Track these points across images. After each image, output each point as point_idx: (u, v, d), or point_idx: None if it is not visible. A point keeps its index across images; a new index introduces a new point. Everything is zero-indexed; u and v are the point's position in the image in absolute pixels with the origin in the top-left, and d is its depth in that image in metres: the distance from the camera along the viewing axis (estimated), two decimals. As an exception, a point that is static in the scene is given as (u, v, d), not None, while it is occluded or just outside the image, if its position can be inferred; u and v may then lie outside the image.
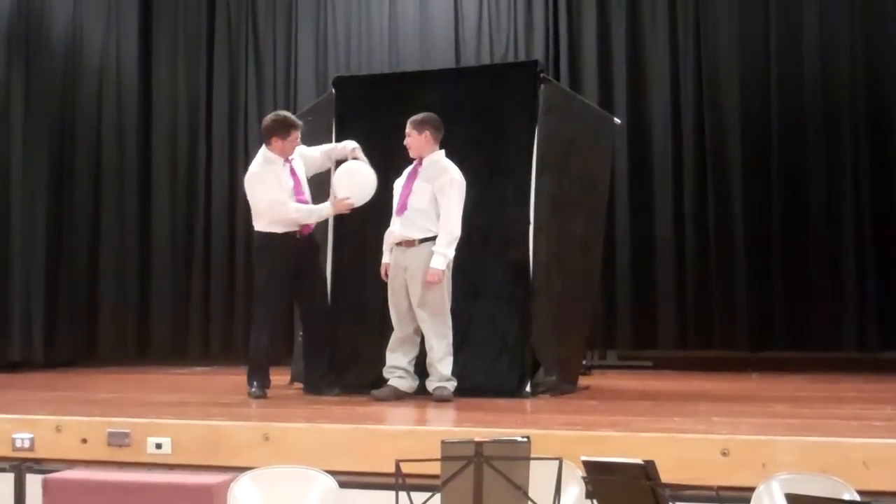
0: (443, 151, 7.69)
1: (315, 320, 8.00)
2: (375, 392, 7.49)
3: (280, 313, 8.22)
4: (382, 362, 7.71)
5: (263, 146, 7.95)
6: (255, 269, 8.30)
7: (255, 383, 7.80)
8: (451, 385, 7.47)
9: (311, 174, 8.09)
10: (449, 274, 7.49)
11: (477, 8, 11.82)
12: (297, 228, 7.81)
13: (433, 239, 7.45)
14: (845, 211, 10.57)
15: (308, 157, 8.05)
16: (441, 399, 7.34)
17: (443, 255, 7.39)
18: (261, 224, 7.92)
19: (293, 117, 8.07)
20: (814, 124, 10.71)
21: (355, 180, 7.81)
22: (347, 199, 7.77)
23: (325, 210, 7.88)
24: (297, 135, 7.92)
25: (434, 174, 7.58)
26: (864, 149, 10.58)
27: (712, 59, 11.07)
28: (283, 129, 7.87)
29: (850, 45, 10.71)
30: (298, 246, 7.81)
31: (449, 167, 7.61)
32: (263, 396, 7.74)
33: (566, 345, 8.26)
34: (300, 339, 8.32)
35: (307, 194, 7.97)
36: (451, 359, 7.50)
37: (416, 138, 7.67)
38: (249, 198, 8.01)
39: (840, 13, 10.76)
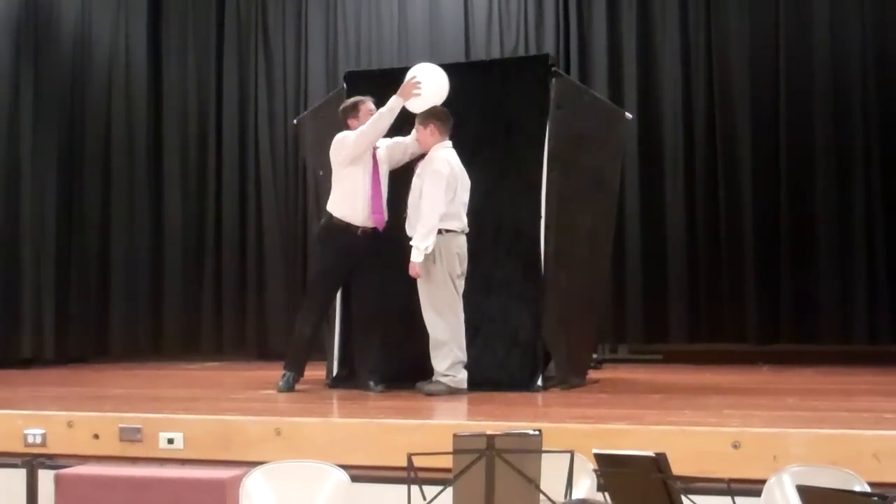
0: (449, 143, 7.69)
1: (366, 316, 7.95)
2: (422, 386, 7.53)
3: (329, 307, 8.15)
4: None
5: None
6: (312, 260, 8.27)
7: (286, 375, 7.81)
8: (446, 380, 7.41)
9: (395, 165, 8.02)
10: (444, 267, 7.46)
11: (487, 1, 11.80)
12: (360, 224, 7.77)
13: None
14: (856, 203, 10.54)
15: (393, 146, 7.99)
16: (427, 393, 7.35)
17: (416, 248, 7.38)
18: (332, 208, 7.87)
19: (353, 99, 8.07)
20: (824, 118, 10.69)
21: (430, 72, 7.80)
22: (414, 79, 7.68)
23: (393, 102, 7.69)
24: (370, 107, 7.88)
25: (423, 168, 7.59)
26: (874, 141, 10.55)
27: (723, 52, 11.04)
28: (352, 108, 7.94)
29: (861, 40, 10.67)
30: (357, 242, 7.74)
31: (435, 159, 7.58)
32: (290, 391, 7.72)
33: (575, 339, 8.25)
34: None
35: (384, 184, 7.91)
36: (449, 353, 7.44)
37: (421, 133, 7.70)
38: (334, 166, 7.91)
39: (851, 8, 10.73)
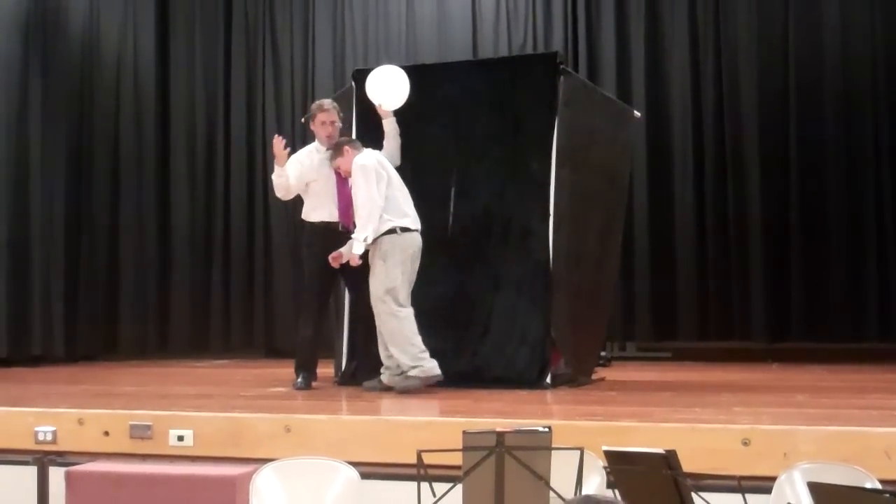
0: (368, 149, 7.77)
1: (364, 314, 7.93)
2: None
3: (326, 305, 8.20)
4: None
5: None
6: (303, 262, 8.33)
7: (301, 375, 7.87)
8: (415, 372, 7.37)
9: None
10: (397, 263, 7.44)
11: (495, -1, 11.83)
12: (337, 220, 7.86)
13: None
14: (866, 200, 10.55)
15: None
16: (402, 390, 7.36)
17: (357, 241, 7.40)
18: (306, 216, 8.08)
19: (319, 102, 8.26)
20: (833, 113, 10.69)
21: (383, 79, 7.87)
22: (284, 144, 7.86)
23: (275, 171, 8.01)
24: (324, 118, 8.01)
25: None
26: (884, 138, 10.55)
27: (731, 50, 11.04)
28: (313, 114, 8.12)
29: (871, 36, 10.67)
30: (341, 240, 7.74)
31: (356, 158, 7.61)
32: (307, 389, 7.77)
33: (583, 337, 8.26)
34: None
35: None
36: (407, 347, 7.40)
37: (340, 161, 7.76)
38: None
39: (861, 4, 10.73)
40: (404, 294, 7.49)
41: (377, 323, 7.51)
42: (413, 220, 7.58)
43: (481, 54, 11.56)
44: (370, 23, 12.20)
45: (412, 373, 7.39)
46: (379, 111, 7.87)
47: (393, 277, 7.43)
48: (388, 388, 7.46)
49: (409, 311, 7.48)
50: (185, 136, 12.40)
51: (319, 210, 7.99)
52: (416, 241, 7.57)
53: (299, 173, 8.01)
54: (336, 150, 7.82)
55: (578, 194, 7.93)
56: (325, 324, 8.23)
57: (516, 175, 8.02)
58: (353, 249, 7.41)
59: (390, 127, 7.88)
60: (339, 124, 8.08)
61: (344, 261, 7.52)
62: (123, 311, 12.04)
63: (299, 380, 7.85)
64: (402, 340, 7.41)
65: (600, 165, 8.31)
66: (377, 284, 7.47)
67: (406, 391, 7.33)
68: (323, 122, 8.02)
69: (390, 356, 7.45)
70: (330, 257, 7.53)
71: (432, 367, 7.42)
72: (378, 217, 7.40)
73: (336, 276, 7.91)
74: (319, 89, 11.91)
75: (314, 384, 7.93)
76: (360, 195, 7.46)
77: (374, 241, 7.43)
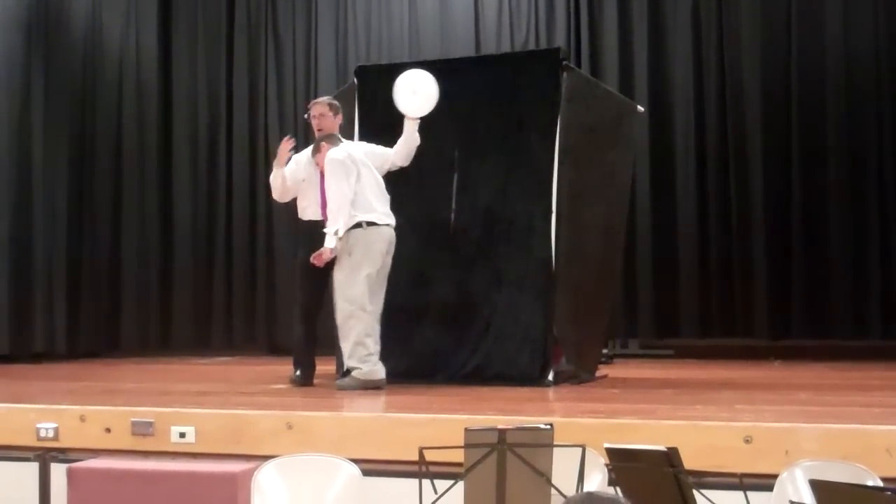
0: (344, 140, 7.81)
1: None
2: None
3: (316, 303, 8.15)
4: (407, 352, 7.74)
5: None
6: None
7: (297, 370, 7.96)
8: (356, 373, 7.38)
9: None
10: (361, 261, 7.43)
11: (497, -5, 11.83)
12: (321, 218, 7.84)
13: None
14: (869, 196, 10.54)
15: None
16: (339, 388, 7.41)
17: (328, 234, 7.41)
18: (300, 215, 8.14)
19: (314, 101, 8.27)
20: (836, 111, 10.68)
21: (421, 79, 7.80)
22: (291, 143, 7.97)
23: (274, 171, 8.11)
24: (312, 113, 8.03)
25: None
26: (887, 134, 10.54)
27: (734, 45, 11.04)
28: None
29: (873, 24, 10.66)
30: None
31: (328, 153, 7.61)
32: (304, 384, 7.81)
33: (585, 334, 8.26)
34: None
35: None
36: (357, 347, 7.40)
37: (319, 157, 7.79)
38: None
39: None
40: (368, 291, 7.46)
41: (336, 316, 7.53)
42: (381, 216, 7.54)
43: (484, 51, 11.56)
44: (373, 20, 12.19)
45: (354, 373, 7.41)
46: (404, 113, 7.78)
47: (355, 272, 7.44)
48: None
49: (370, 310, 7.47)
50: (187, 132, 12.41)
51: (308, 209, 8.02)
52: (383, 235, 7.53)
53: (293, 172, 8.04)
54: (315, 146, 7.84)
55: (581, 190, 7.93)
56: (317, 321, 8.21)
57: (518, 171, 8.01)
58: (325, 243, 7.43)
59: (410, 130, 7.77)
60: (329, 116, 7.97)
61: (326, 258, 7.50)
62: (125, 308, 12.05)
63: (297, 373, 7.92)
64: (353, 339, 7.41)
65: (603, 161, 8.31)
66: (340, 278, 7.50)
67: (342, 389, 7.37)
68: (312, 117, 8.03)
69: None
70: (312, 258, 7.52)
71: (375, 371, 7.42)
72: (348, 210, 7.39)
73: (327, 273, 7.88)
74: (322, 86, 11.90)
75: (316, 381, 7.93)
76: (330, 189, 7.49)
77: (346, 233, 7.43)
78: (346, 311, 7.48)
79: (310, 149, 8.06)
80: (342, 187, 7.43)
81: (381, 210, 7.57)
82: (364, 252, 7.45)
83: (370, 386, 7.34)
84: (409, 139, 7.78)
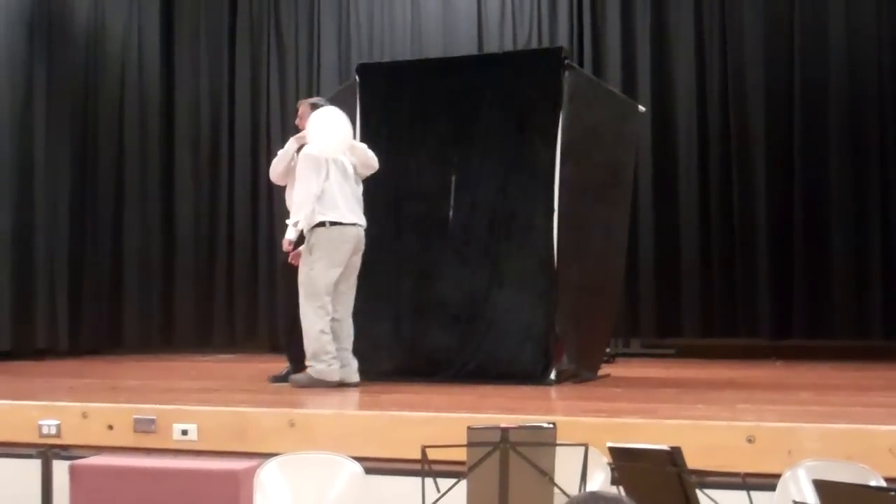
0: None
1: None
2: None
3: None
4: (409, 351, 7.75)
5: None
6: None
7: (289, 365, 8.02)
8: (309, 370, 7.42)
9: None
10: (324, 259, 7.41)
11: (500, -6, 11.82)
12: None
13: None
14: (871, 197, 10.53)
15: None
16: (293, 384, 7.50)
17: (289, 225, 7.47)
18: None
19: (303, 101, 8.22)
20: (839, 111, 10.67)
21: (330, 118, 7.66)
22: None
23: (289, 145, 7.86)
24: (301, 110, 7.99)
25: None
26: (890, 135, 10.53)
27: (737, 45, 11.03)
28: (299, 109, 8.11)
29: (876, 22, 10.65)
30: None
31: (304, 148, 7.60)
32: (279, 381, 7.91)
33: (587, 333, 8.26)
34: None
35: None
36: (313, 343, 7.41)
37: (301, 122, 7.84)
38: None
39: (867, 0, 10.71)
40: (330, 290, 7.46)
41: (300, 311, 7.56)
42: (345, 214, 7.48)
43: (486, 50, 11.55)
44: (375, 18, 12.19)
45: (309, 370, 7.44)
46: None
47: (316, 270, 7.42)
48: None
49: (329, 310, 7.46)
50: (189, 131, 12.41)
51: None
52: (347, 234, 7.48)
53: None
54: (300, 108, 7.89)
55: (583, 189, 7.93)
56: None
57: (520, 170, 8.01)
58: (286, 234, 7.49)
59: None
60: (308, 115, 7.79)
61: (285, 249, 7.58)
62: (128, 305, 12.05)
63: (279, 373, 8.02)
64: (311, 334, 7.42)
65: (605, 160, 8.31)
66: (302, 275, 7.50)
67: (294, 384, 7.46)
68: (301, 115, 7.98)
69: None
70: (290, 258, 7.56)
71: (330, 371, 7.41)
72: (311, 204, 7.37)
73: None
74: (324, 84, 11.91)
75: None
76: (299, 182, 7.49)
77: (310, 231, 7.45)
78: (304, 308, 7.47)
79: None
80: (310, 182, 7.42)
81: (345, 208, 7.51)
82: (326, 250, 7.43)
83: (321, 385, 7.35)
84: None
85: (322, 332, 7.39)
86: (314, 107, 7.83)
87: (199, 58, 12.49)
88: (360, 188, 7.68)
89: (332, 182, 7.48)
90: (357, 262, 7.60)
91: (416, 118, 8.14)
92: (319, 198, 7.39)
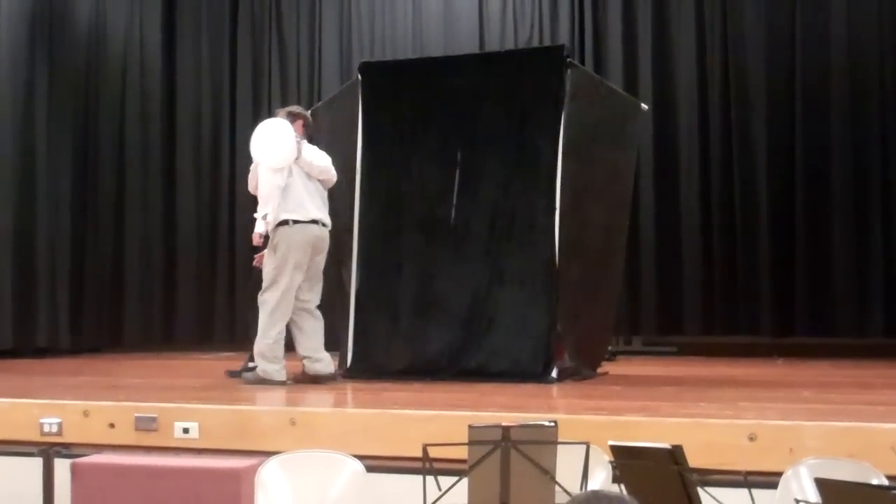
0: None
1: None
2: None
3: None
4: (410, 349, 7.76)
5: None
6: None
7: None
8: (257, 369, 7.58)
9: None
10: (285, 257, 7.52)
11: (501, -7, 11.82)
12: None
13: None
14: (872, 195, 10.53)
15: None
16: (243, 381, 7.67)
17: (258, 219, 7.63)
18: None
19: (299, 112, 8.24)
20: (840, 110, 10.67)
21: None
22: None
23: None
24: (301, 124, 8.01)
25: None
26: (891, 131, 10.53)
27: (738, 43, 11.03)
28: (295, 116, 8.11)
29: (877, 19, 10.64)
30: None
31: None
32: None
33: (587, 331, 8.25)
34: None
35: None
36: (260, 341, 7.56)
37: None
38: None
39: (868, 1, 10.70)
40: (291, 292, 7.55)
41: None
42: (310, 211, 7.60)
43: (488, 49, 11.56)
44: (377, 17, 12.20)
45: (257, 368, 7.58)
46: None
47: (280, 269, 7.51)
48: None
49: (284, 309, 7.56)
50: (191, 129, 12.42)
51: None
52: (309, 233, 7.59)
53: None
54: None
55: (584, 187, 7.92)
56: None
57: (522, 168, 8.01)
58: (256, 228, 7.65)
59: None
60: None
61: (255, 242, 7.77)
62: (129, 304, 12.07)
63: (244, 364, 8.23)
64: (262, 332, 7.55)
65: (606, 158, 8.30)
66: (265, 273, 7.65)
67: (246, 381, 7.63)
68: (300, 126, 8.02)
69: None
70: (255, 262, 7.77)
71: (272, 371, 7.52)
72: (277, 197, 7.48)
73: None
74: (326, 83, 11.92)
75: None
76: (264, 177, 7.60)
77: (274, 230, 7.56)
78: (263, 306, 7.59)
79: None
80: (275, 177, 7.51)
81: (311, 206, 7.62)
82: (288, 248, 7.52)
83: (262, 383, 7.46)
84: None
85: (280, 333, 7.55)
86: (290, 115, 7.96)
87: (201, 57, 12.50)
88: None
89: (296, 177, 7.61)
90: (321, 262, 7.76)
91: (417, 117, 8.14)
92: (284, 195, 7.50)
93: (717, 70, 11.09)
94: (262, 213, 7.54)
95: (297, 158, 7.57)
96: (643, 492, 3.63)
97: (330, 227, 7.74)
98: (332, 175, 7.80)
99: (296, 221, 7.52)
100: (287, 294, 7.52)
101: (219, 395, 7.03)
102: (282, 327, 7.55)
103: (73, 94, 11.60)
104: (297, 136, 7.64)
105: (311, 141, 7.94)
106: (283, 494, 4.77)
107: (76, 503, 5.60)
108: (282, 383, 7.49)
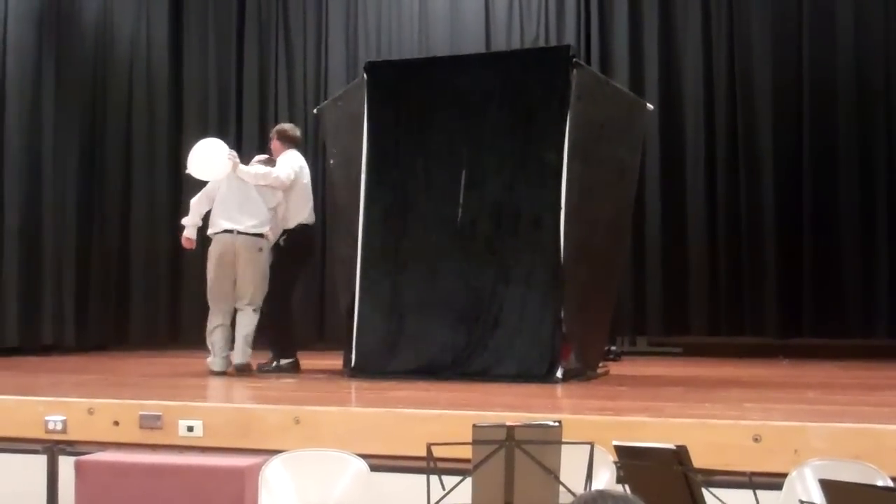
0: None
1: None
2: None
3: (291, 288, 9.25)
4: (415, 348, 7.77)
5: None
6: None
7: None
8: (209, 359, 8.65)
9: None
10: (209, 262, 8.82)
11: (508, -8, 11.80)
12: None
13: None
14: (878, 196, 10.51)
15: None
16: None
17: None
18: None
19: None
20: (847, 109, 10.65)
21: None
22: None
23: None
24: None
25: None
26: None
27: (745, 43, 11.01)
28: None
29: (884, 20, 10.62)
30: (316, 238, 9.15)
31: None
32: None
33: (591, 330, 8.25)
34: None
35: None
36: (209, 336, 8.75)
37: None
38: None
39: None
40: (213, 293, 8.72)
41: None
42: (217, 223, 8.71)
43: (494, 47, 11.54)
44: (383, 17, 12.19)
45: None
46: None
47: (209, 274, 8.69)
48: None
49: (215, 311, 8.68)
50: (197, 128, 12.38)
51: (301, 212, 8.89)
52: (218, 241, 8.70)
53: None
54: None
55: (589, 187, 7.91)
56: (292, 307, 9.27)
57: (527, 168, 8.00)
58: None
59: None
60: (273, 140, 9.22)
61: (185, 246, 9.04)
62: (134, 301, 12.08)
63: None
64: (209, 328, 8.63)
65: (611, 158, 8.29)
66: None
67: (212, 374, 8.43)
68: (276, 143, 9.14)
69: None
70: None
71: (212, 363, 8.57)
72: (197, 209, 8.93)
73: (303, 262, 9.18)
74: (332, 82, 11.92)
75: (321, 375, 8.01)
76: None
77: None
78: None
79: None
80: (204, 191, 8.86)
81: (222, 217, 8.62)
82: (210, 257, 8.72)
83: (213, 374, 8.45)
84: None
85: (211, 331, 8.62)
86: (278, 133, 9.10)
87: (208, 55, 12.50)
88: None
89: (223, 188, 8.75)
90: (241, 266, 8.60)
91: (423, 116, 8.13)
92: (212, 212, 8.60)
93: (723, 70, 11.07)
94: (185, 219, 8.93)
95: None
96: (647, 492, 3.62)
97: (249, 233, 8.59)
98: (274, 182, 8.73)
99: (214, 233, 8.76)
100: (212, 297, 8.77)
101: (223, 393, 7.03)
102: (215, 325, 8.66)
103: (80, 94, 11.61)
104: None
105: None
106: (287, 493, 4.77)
107: (80, 501, 5.61)
108: (218, 373, 8.42)
